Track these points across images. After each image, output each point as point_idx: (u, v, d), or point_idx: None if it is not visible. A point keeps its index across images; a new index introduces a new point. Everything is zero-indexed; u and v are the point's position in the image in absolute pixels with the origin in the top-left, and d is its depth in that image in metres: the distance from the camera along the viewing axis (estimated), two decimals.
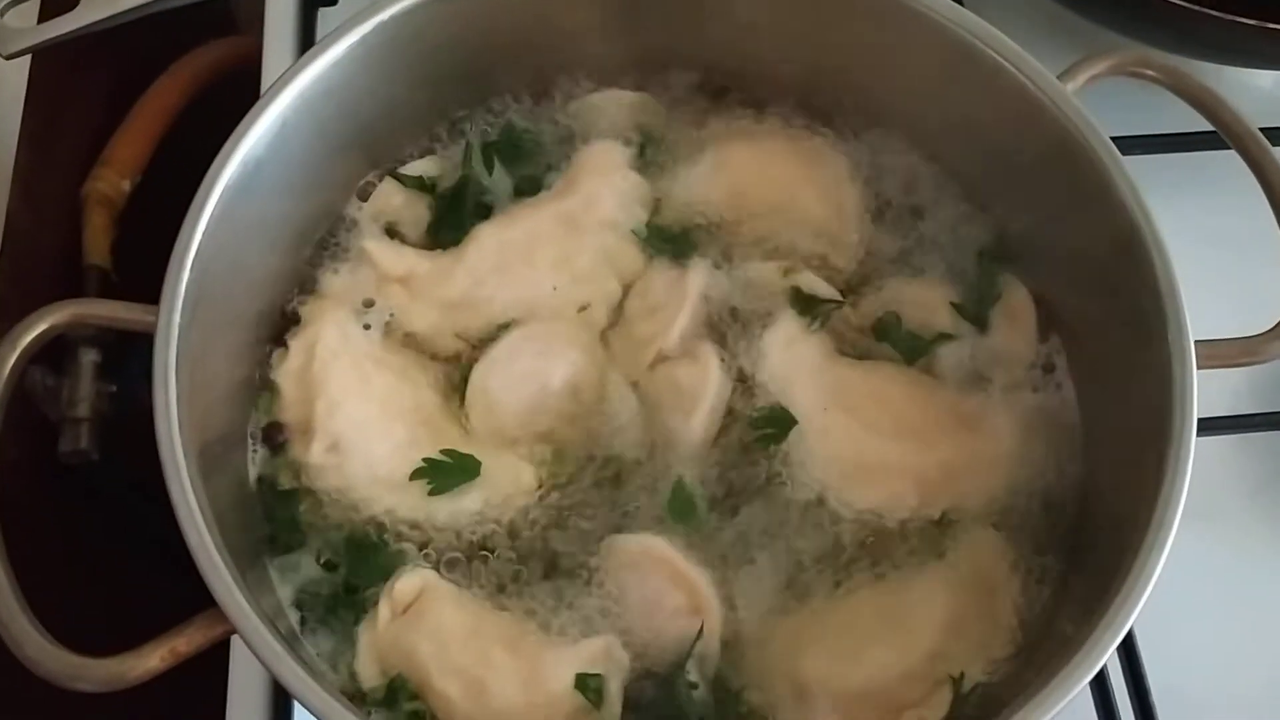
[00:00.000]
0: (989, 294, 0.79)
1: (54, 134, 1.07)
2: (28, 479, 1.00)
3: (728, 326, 0.79)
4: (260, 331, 0.75)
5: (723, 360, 0.76)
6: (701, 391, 0.75)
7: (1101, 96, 0.74)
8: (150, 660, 0.60)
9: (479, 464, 0.73)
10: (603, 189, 0.80)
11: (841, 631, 0.71)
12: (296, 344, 0.74)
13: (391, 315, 0.77)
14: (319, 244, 0.79)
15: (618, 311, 0.79)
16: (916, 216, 0.82)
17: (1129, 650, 0.81)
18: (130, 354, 1.09)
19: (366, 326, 0.76)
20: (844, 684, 0.69)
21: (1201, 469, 0.84)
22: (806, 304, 0.78)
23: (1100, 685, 0.79)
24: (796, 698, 0.69)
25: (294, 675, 0.58)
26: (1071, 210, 0.73)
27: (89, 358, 1.04)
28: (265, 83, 0.98)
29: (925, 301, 0.79)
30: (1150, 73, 0.74)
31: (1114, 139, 0.71)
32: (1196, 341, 0.67)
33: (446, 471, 0.72)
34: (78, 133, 1.14)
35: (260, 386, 0.74)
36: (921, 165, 0.83)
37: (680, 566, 0.70)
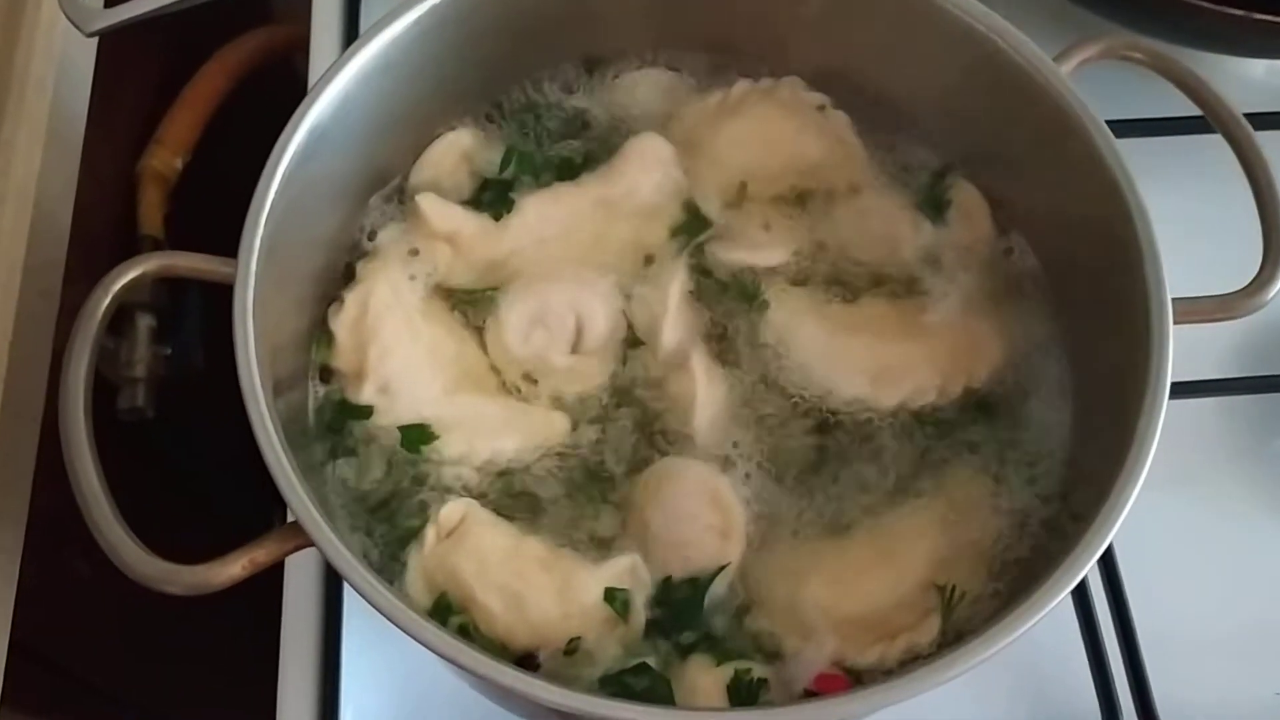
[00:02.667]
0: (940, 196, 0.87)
1: (113, 114, 1.13)
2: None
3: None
4: (320, 286, 0.82)
5: (717, 361, 0.82)
6: (691, 402, 0.80)
7: (1094, 84, 0.80)
8: (233, 568, 0.66)
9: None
10: (644, 182, 0.86)
11: (839, 564, 0.78)
12: (352, 297, 0.81)
13: (435, 267, 0.84)
14: (375, 206, 0.86)
15: None
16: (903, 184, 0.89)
17: (1116, 595, 0.87)
18: (182, 320, 1.16)
19: (412, 277, 0.83)
20: (841, 610, 0.75)
21: (1184, 433, 0.92)
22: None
23: (1092, 637, 0.86)
24: (798, 622, 0.76)
25: (365, 581, 0.64)
26: (1059, 181, 0.80)
27: (145, 322, 1.11)
28: (314, 63, 1.05)
29: (880, 209, 0.87)
30: (1139, 56, 0.80)
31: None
32: (1174, 299, 0.72)
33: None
34: (133, 113, 1.21)
35: (318, 335, 0.81)
36: (915, 142, 0.90)
37: (724, 492, 0.77)
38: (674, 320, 0.83)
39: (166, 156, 1.19)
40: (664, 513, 0.77)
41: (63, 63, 0.99)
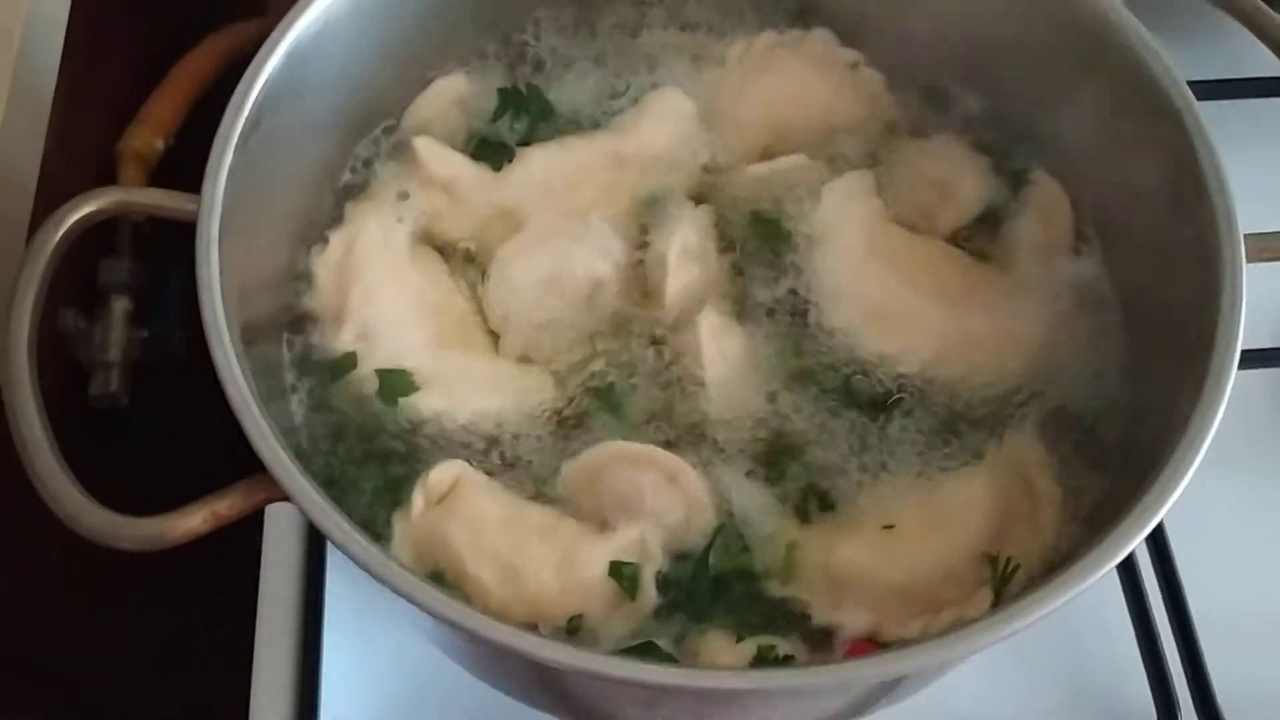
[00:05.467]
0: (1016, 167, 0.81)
1: (91, 88, 1.08)
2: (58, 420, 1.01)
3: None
4: (302, 228, 0.76)
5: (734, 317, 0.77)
6: (700, 361, 0.74)
7: None
8: (192, 520, 0.59)
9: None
10: (661, 135, 0.81)
11: (880, 528, 0.70)
12: (337, 236, 0.75)
13: (426, 214, 0.77)
14: (363, 148, 0.80)
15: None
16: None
17: (1169, 578, 0.80)
18: (162, 303, 1.09)
19: (400, 220, 0.77)
20: (882, 579, 0.68)
21: (1245, 407, 0.84)
22: None
23: (1145, 625, 0.78)
24: (831, 590, 0.68)
25: (342, 531, 0.58)
26: (1110, 109, 0.74)
27: (121, 305, 1.04)
28: None
29: (954, 152, 0.81)
30: None
31: None
32: (1246, 234, 0.66)
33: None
34: (113, 91, 1.15)
35: (297, 277, 0.75)
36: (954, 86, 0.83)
37: (631, 451, 0.71)
38: (677, 276, 0.76)
39: (148, 137, 1.13)
40: (607, 497, 0.70)
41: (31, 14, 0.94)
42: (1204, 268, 0.67)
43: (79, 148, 1.07)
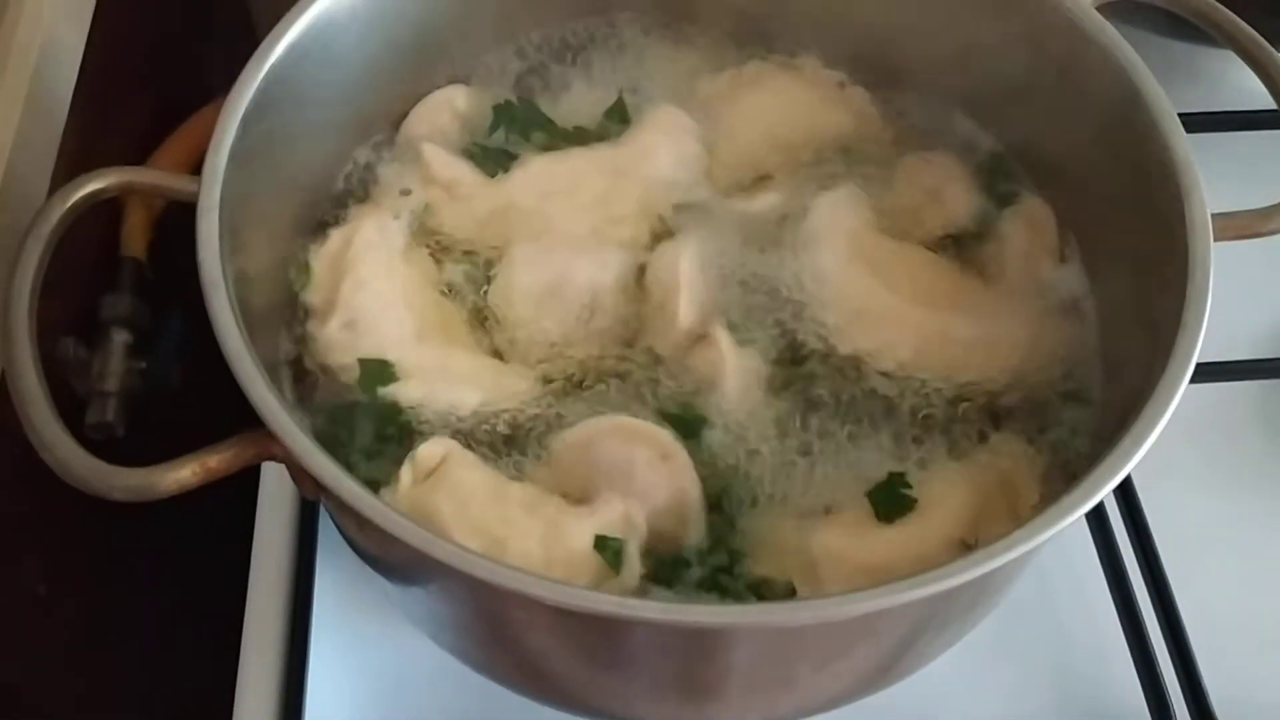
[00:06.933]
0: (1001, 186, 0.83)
1: (104, 130, 1.11)
2: None
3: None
4: (299, 222, 0.78)
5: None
6: (720, 374, 0.75)
7: None
8: (181, 472, 0.60)
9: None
10: (660, 148, 0.83)
11: (858, 513, 0.71)
12: (337, 232, 0.77)
13: (425, 210, 0.80)
14: (363, 151, 0.83)
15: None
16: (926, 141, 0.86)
17: (1160, 587, 0.80)
18: (161, 338, 1.11)
19: (396, 216, 0.78)
20: (857, 560, 0.68)
21: (1223, 414, 0.86)
22: None
23: (1137, 634, 0.78)
24: (806, 570, 0.69)
25: (338, 479, 0.58)
26: (1079, 111, 0.76)
27: (121, 338, 1.05)
28: None
29: (943, 165, 0.83)
30: None
31: None
32: (1212, 214, 0.68)
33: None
34: (126, 136, 1.18)
35: (296, 269, 0.77)
36: (933, 99, 0.86)
37: (628, 425, 0.71)
38: (689, 293, 0.77)
39: None
40: (596, 469, 0.70)
41: (48, 37, 0.97)
42: (1175, 266, 0.68)
43: None
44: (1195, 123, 0.77)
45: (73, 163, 1.06)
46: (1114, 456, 0.59)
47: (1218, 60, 1.05)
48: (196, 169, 1.13)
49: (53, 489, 0.64)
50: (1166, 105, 0.72)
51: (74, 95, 1.09)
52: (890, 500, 0.70)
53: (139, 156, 1.16)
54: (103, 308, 1.01)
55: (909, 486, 0.71)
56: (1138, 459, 0.59)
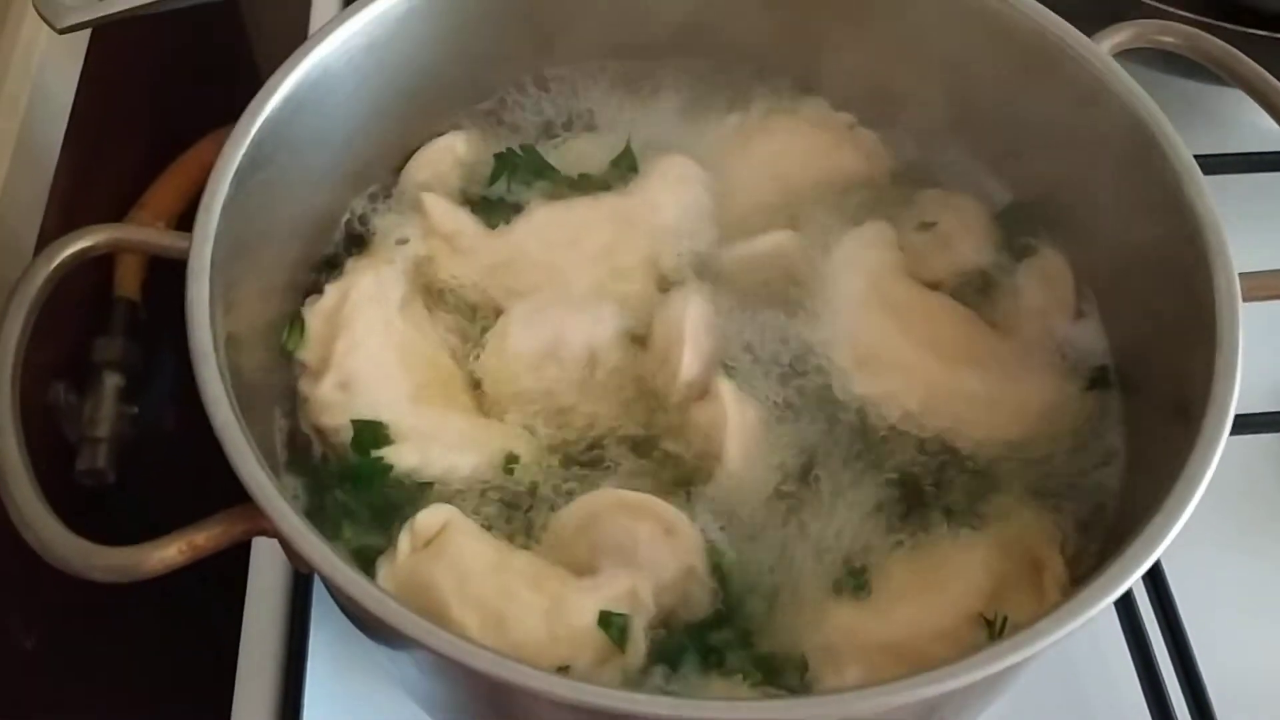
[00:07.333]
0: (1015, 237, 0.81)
1: (95, 172, 1.09)
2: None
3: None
4: (294, 277, 0.76)
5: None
6: (723, 431, 0.72)
7: None
8: (167, 551, 0.57)
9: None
10: (668, 198, 0.81)
11: (874, 586, 0.68)
12: (333, 287, 0.75)
13: (425, 262, 0.77)
14: (361, 200, 0.80)
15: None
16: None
17: (1180, 645, 0.77)
18: (153, 381, 1.08)
19: (390, 262, 0.76)
20: (870, 636, 0.66)
21: (1242, 466, 0.83)
22: None
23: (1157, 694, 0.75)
24: (822, 648, 0.66)
25: (329, 561, 0.55)
26: (1103, 163, 0.74)
27: (112, 381, 1.03)
28: None
29: (959, 207, 0.80)
30: (1170, 40, 0.76)
31: None
32: (1240, 274, 0.66)
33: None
34: (118, 177, 1.16)
35: (290, 326, 0.74)
36: (949, 145, 0.84)
37: (631, 499, 0.69)
38: (694, 346, 0.75)
39: (148, 220, 1.13)
40: (599, 544, 0.68)
41: (38, 85, 0.95)
42: (1200, 325, 0.66)
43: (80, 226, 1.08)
44: (1211, 164, 0.75)
45: (65, 203, 1.05)
46: (1143, 539, 0.56)
47: (1230, 100, 1.02)
48: (192, 206, 1.12)
49: None
50: (1189, 161, 0.70)
51: (66, 136, 1.07)
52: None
53: (135, 193, 1.14)
54: (94, 350, 0.99)
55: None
56: (1169, 541, 0.56)
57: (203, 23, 1.12)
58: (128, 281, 1.11)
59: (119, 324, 1.04)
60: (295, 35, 1.13)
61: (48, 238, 1.01)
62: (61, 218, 1.03)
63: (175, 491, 0.90)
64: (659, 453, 0.73)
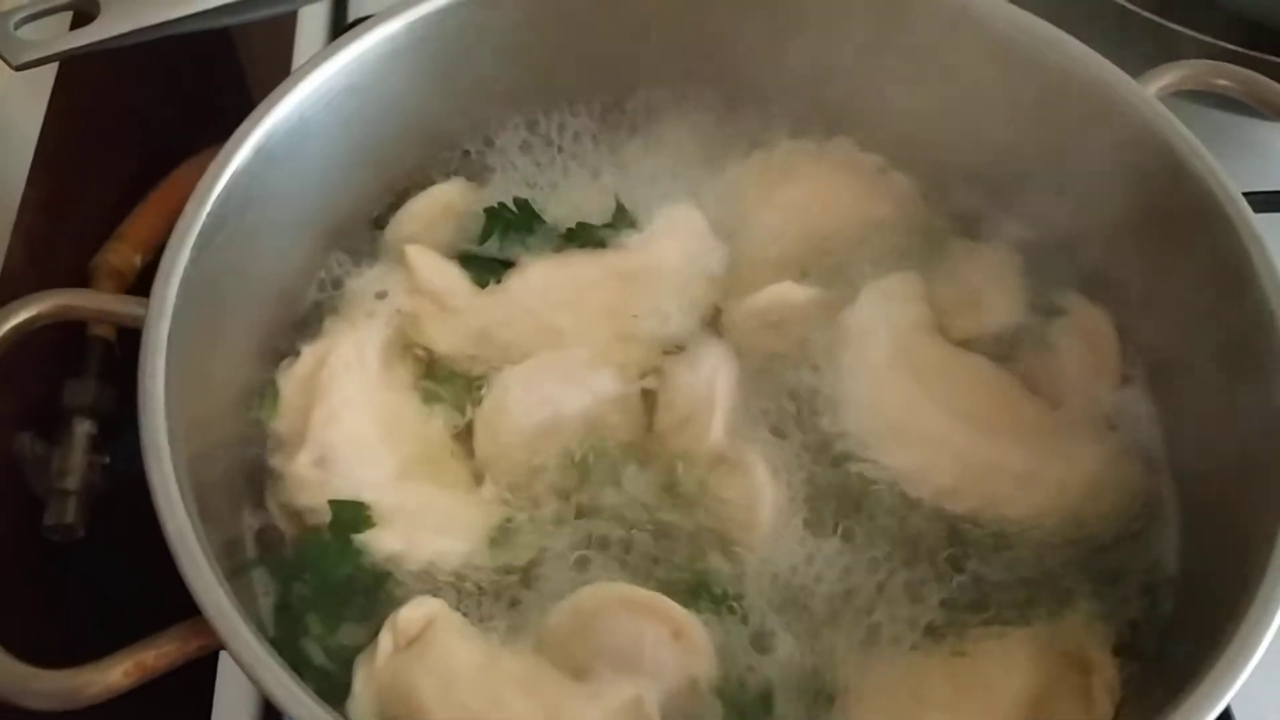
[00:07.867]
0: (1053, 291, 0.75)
1: (66, 207, 1.04)
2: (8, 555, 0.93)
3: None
4: (266, 341, 0.69)
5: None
6: (755, 504, 0.67)
7: None
8: (112, 674, 0.51)
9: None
10: (673, 252, 0.75)
11: (903, 690, 0.63)
12: (310, 350, 0.69)
13: (407, 321, 0.71)
14: (338, 256, 0.74)
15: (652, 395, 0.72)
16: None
17: None
18: (127, 427, 1.02)
19: (370, 314, 0.71)
20: None
21: None
22: None
23: None
24: None
25: (285, 689, 0.49)
26: (1161, 237, 0.68)
27: (83, 429, 0.97)
28: None
29: (993, 260, 0.75)
30: (1223, 83, 0.70)
31: None
32: None
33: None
34: (91, 211, 1.11)
35: (262, 394, 0.68)
36: (979, 194, 0.78)
37: (635, 596, 0.63)
38: (724, 410, 0.69)
39: (126, 252, 1.08)
40: (599, 644, 0.62)
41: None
42: (1261, 393, 0.61)
43: (52, 264, 1.02)
44: (1256, 202, 0.69)
45: (30, 239, 0.99)
46: (1207, 683, 0.50)
47: (1268, 131, 0.97)
48: (165, 240, 1.06)
49: None
50: (1247, 214, 0.65)
51: (32, 169, 1.01)
52: None
53: (115, 223, 1.08)
54: (65, 395, 0.93)
55: None
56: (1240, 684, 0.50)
57: (188, 47, 1.06)
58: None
59: (92, 365, 0.98)
60: (285, 61, 1.07)
61: (12, 276, 0.95)
62: (26, 253, 0.98)
63: (148, 547, 0.84)
64: (668, 539, 0.67)
